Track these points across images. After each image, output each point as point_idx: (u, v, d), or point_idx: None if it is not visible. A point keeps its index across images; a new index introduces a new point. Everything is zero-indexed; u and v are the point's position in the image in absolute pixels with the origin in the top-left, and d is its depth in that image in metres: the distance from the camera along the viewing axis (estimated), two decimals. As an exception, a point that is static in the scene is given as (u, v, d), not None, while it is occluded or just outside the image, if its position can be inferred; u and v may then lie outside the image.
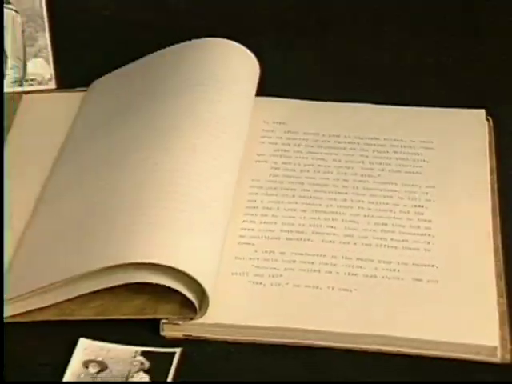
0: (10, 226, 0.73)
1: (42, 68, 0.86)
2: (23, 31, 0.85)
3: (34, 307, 0.67)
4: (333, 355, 0.65)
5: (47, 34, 0.86)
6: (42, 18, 0.85)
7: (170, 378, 0.64)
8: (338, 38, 0.91)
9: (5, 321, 0.67)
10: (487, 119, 0.82)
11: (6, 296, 0.67)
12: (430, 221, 0.73)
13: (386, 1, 0.91)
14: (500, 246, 0.71)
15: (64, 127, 0.82)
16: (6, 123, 0.83)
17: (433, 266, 0.70)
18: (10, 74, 0.86)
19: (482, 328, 0.65)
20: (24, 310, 0.67)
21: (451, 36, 0.91)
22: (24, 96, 0.86)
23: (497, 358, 0.64)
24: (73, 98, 0.86)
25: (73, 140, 0.81)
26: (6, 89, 0.86)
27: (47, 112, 0.85)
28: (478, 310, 0.67)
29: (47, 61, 0.86)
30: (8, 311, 0.67)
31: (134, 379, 0.64)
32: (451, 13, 0.91)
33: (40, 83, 0.87)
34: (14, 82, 0.86)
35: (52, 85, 0.87)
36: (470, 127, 0.82)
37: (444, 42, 0.90)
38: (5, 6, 0.84)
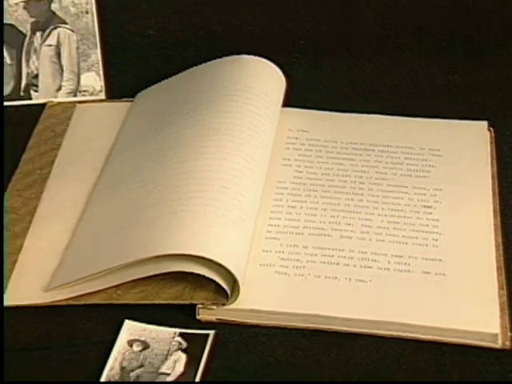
0: (64, 219, 0.74)
1: (93, 81, 0.87)
2: (78, 48, 0.86)
3: (85, 292, 0.67)
4: (349, 338, 0.65)
5: (98, 51, 0.86)
6: (94, 36, 0.86)
7: (204, 357, 0.64)
8: (359, 58, 0.91)
9: (60, 304, 0.67)
10: (489, 130, 0.82)
11: (61, 281, 0.67)
12: (437, 220, 0.73)
13: (404, 28, 0.91)
14: (500, 243, 0.71)
15: (113, 132, 0.83)
16: (61, 128, 0.84)
17: (440, 260, 0.70)
18: (66, 86, 0.87)
19: (484, 317, 0.65)
20: (77, 294, 0.67)
21: (458, 59, 0.91)
22: (78, 105, 0.86)
23: (498, 344, 0.64)
24: (120, 107, 0.86)
25: (120, 144, 0.81)
26: (62, 99, 0.87)
27: (98, 119, 0.85)
28: (481, 301, 0.67)
29: (98, 74, 0.87)
30: (63, 295, 0.67)
31: (173, 357, 0.64)
32: (459, 40, 0.91)
33: (91, 94, 0.87)
34: (69, 92, 0.87)
35: (102, 95, 0.87)
36: (474, 137, 0.81)
37: (452, 64, 0.90)
38: (62, 25, 0.85)
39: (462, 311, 0.66)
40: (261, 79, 0.81)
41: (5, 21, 0.84)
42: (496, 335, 0.64)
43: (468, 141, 0.81)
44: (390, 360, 0.64)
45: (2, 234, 0.73)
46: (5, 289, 0.69)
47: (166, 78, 0.86)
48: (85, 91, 0.87)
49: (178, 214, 0.68)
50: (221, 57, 0.84)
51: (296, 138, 0.81)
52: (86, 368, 0.63)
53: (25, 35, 0.85)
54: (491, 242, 0.71)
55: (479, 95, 0.87)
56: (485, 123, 0.82)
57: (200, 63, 0.84)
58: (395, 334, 0.65)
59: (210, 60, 0.84)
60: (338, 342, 0.65)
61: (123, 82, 0.87)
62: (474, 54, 0.91)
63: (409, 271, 0.69)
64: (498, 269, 0.69)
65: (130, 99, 0.86)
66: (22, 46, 0.85)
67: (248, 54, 0.83)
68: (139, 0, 0.88)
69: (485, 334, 0.64)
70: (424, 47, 0.91)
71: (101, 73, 0.87)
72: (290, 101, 0.82)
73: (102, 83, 0.87)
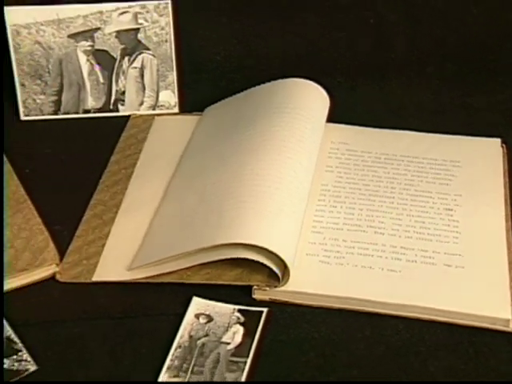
0: (144, 211, 0.74)
1: (169, 97, 0.86)
2: (158, 70, 0.86)
3: (160, 272, 0.67)
4: (381, 319, 0.64)
5: (174, 73, 0.86)
6: (171, 60, 0.85)
7: (259, 330, 0.63)
8: (390, 81, 0.89)
9: (139, 281, 0.67)
10: (502, 146, 0.80)
11: (141, 263, 0.67)
12: (457, 221, 0.71)
13: (429, 56, 0.89)
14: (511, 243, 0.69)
15: (184, 140, 0.82)
16: (142, 136, 0.83)
17: (459, 255, 0.68)
18: (147, 101, 0.86)
19: (497, 304, 0.64)
20: (153, 274, 0.67)
21: (475, 84, 0.88)
22: (156, 117, 0.86)
23: (509, 328, 0.63)
24: (191, 119, 0.85)
25: (190, 150, 0.80)
26: (144, 112, 0.86)
27: (172, 129, 0.85)
28: (495, 290, 0.65)
29: (173, 92, 0.86)
30: (142, 274, 0.67)
31: (232, 329, 0.64)
32: (475, 67, 0.90)
33: (167, 108, 0.87)
34: (150, 107, 0.87)
35: (176, 110, 0.87)
36: (489, 151, 0.79)
37: (469, 88, 0.88)
38: (146, 51, 0.84)
39: (478, 299, 0.64)
40: (308, 98, 0.80)
41: (100, 47, 0.84)
42: (508, 320, 0.63)
43: (484, 155, 0.79)
44: (417, 338, 0.63)
45: (2, 233, 0.70)
46: (95, 268, 0.68)
47: (230, 96, 0.85)
48: (162, 106, 0.87)
49: (240, 210, 0.67)
50: (275, 79, 0.82)
51: (337, 149, 0.80)
52: (161, 335, 0.63)
53: (115, 59, 0.85)
54: (503, 241, 0.69)
55: (493, 115, 0.85)
56: (498, 140, 0.80)
57: (258, 84, 0.83)
58: (420, 316, 0.64)
59: (266, 82, 0.83)
60: (371, 321, 0.64)
61: (194, 98, 0.87)
62: (489, 80, 0.89)
63: (433, 264, 0.67)
64: (510, 263, 0.67)
65: (199, 113, 0.85)
66: (113, 68, 0.85)
67: (298, 77, 0.82)
68: (210, 31, 0.88)
69: (498, 319, 0.63)
70: (445, 73, 0.89)
71: (176, 91, 0.86)
72: (333, 117, 0.81)
73: (177, 99, 0.86)
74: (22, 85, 0.85)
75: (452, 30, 0.88)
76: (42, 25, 0.83)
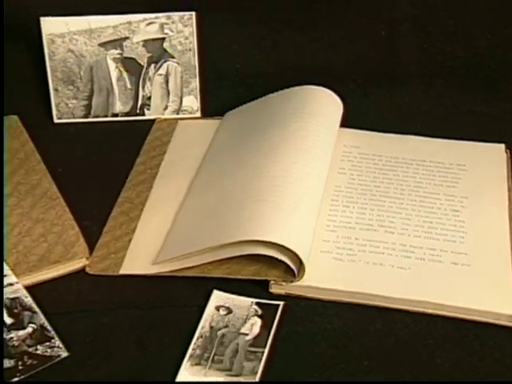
0: (168, 208, 0.73)
1: (192, 102, 0.86)
2: (182, 77, 0.85)
3: (183, 266, 0.66)
4: (390, 313, 0.63)
5: (197, 80, 0.85)
6: (194, 68, 0.85)
7: (275, 322, 0.63)
8: (400, 90, 0.88)
9: (164, 274, 0.66)
10: (506, 151, 0.78)
11: (165, 257, 0.67)
12: (463, 221, 0.70)
13: (437, 67, 0.89)
14: (515, 242, 0.69)
15: (206, 142, 0.82)
16: (166, 139, 0.83)
17: (465, 253, 0.67)
18: (171, 106, 0.86)
19: (501, 300, 0.63)
20: (177, 268, 0.66)
21: (480, 94, 0.87)
22: (179, 121, 0.86)
23: (512, 323, 0.62)
24: (212, 123, 0.85)
25: (211, 151, 0.80)
26: (168, 116, 0.86)
27: (194, 132, 0.84)
28: (499, 288, 0.64)
29: (196, 98, 0.86)
30: (166, 268, 0.67)
31: (251, 321, 0.63)
32: (482, 79, 0.89)
33: (190, 113, 0.86)
34: (173, 111, 0.86)
35: (198, 114, 0.86)
36: (493, 156, 0.78)
37: (475, 98, 0.87)
38: (171, 59, 0.84)
39: (483, 295, 0.63)
40: (323, 104, 0.79)
41: (128, 55, 0.84)
42: (511, 316, 0.61)
43: (489, 159, 0.78)
44: (424, 331, 0.62)
45: (2, 232, 0.69)
46: (122, 261, 0.68)
47: (249, 101, 0.84)
48: (185, 110, 0.86)
49: (259, 209, 0.66)
50: (292, 86, 0.82)
51: (350, 152, 0.79)
52: (184, 325, 0.63)
53: (142, 66, 0.85)
54: (507, 241, 0.68)
55: (497, 123, 0.84)
56: (502, 146, 0.79)
57: (275, 91, 0.83)
58: (428, 311, 0.63)
59: (283, 88, 0.82)
60: (381, 315, 0.63)
61: (215, 104, 0.86)
62: (493, 90, 0.88)
63: (440, 262, 0.66)
64: (513, 262, 0.66)
65: (220, 117, 0.85)
66: (140, 74, 0.85)
67: (313, 84, 0.81)
68: (231, 41, 0.88)
69: (502, 315, 0.62)
70: (453, 83, 0.88)
71: (198, 96, 0.86)
72: (346, 122, 0.80)
73: (199, 104, 0.86)
74: (56, 90, 0.85)
75: (459, 43, 0.88)
76: (74, 34, 0.83)
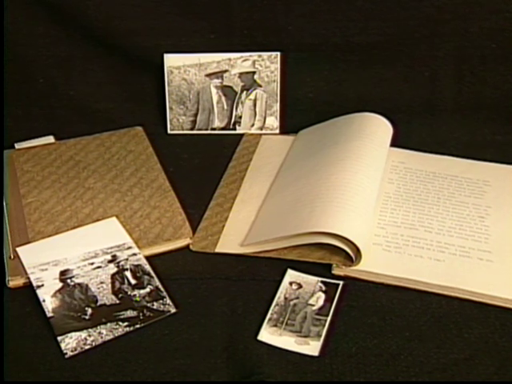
0: (253, 204, 0.73)
1: (273, 122, 0.87)
2: (266, 102, 0.86)
3: (264, 249, 0.67)
4: (428, 296, 0.63)
5: (278, 105, 0.86)
6: (276, 95, 0.85)
7: (336, 298, 0.63)
8: (437, 120, 0.86)
9: (249, 254, 0.67)
10: (525, 172, 0.77)
11: (250, 241, 0.68)
12: (488, 226, 0.69)
13: (471, 102, 0.86)
14: (532, 244, 0.67)
15: (283, 154, 0.82)
16: (252, 149, 0.84)
17: (490, 252, 0.66)
18: (257, 124, 0.87)
19: (519, 291, 0.61)
20: (259, 250, 0.67)
21: (503, 125, 0.85)
22: (263, 136, 0.86)
23: (529, 309, 0.60)
24: (288, 139, 0.85)
25: (287, 161, 0.80)
26: (254, 131, 0.87)
27: (274, 145, 0.85)
28: (517, 280, 0.63)
29: (276, 118, 0.86)
30: (251, 249, 0.67)
31: (316, 295, 0.63)
32: (504, 111, 0.86)
33: (271, 130, 0.87)
34: (258, 128, 0.87)
35: (277, 131, 0.87)
36: (513, 175, 0.77)
37: (498, 128, 0.85)
38: (259, 88, 0.85)
39: (504, 284, 0.62)
40: (377, 128, 0.79)
41: (226, 83, 0.86)
42: (526, 304, 0.60)
43: (509, 177, 0.76)
44: (455, 312, 0.61)
45: (2, 230, 0.65)
46: (217, 243, 0.69)
47: (318, 123, 0.85)
48: (267, 128, 0.87)
49: (327, 207, 0.66)
50: (352, 112, 0.82)
51: (397, 167, 0.78)
52: (264, 295, 0.63)
53: (236, 93, 0.86)
54: (525, 243, 0.67)
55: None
56: (522, 166, 0.77)
57: (339, 116, 0.83)
58: (458, 295, 0.62)
59: (345, 114, 0.82)
60: (421, 297, 0.63)
61: (291, 123, 0.86)
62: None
63: (468, 257, 0.66)
64: (529, 260, 0.65)
65: (295, 134, 0.85)
66: (234, 99, 0.86)
67: (369, 111, 0.81)
68: (305, 75, 0.87)
69: (519, 302, 0.60)
70: (480, 116, 0.86)
71: (278, 117, 0.86)
72: (394, 143, 0.79)
73: (278, 123, 0.87)
74: (171, 108, 0.87)
75: (488, 85, 0.85)
76: (188, 67, 0.85)
